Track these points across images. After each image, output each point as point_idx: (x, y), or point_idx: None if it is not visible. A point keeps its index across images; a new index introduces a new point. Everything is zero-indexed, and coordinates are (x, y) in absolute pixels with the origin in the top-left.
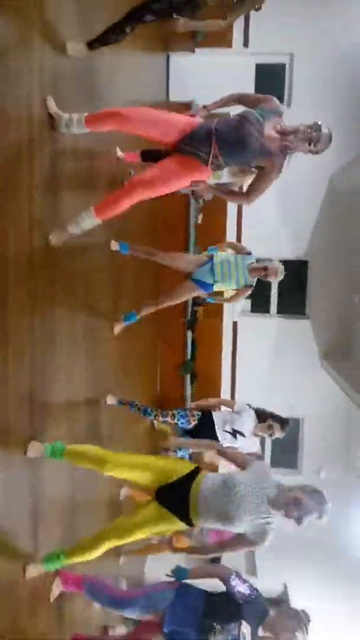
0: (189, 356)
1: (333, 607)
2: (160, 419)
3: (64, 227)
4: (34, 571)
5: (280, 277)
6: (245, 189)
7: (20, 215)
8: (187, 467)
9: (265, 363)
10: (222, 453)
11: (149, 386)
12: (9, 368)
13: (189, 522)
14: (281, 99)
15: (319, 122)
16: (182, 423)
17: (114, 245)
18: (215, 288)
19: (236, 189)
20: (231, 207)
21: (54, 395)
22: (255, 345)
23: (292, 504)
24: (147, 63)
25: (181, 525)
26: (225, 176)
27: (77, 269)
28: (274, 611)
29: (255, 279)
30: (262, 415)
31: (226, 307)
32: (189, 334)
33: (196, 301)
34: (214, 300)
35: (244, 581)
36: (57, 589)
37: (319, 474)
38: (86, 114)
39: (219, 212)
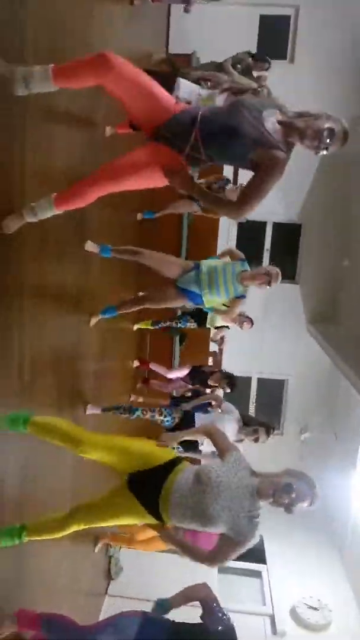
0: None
1: (304, 556)
2: (148, 414)
3: (19, 213)
4: None
5: (278, 281)
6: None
7: None
8: (168, 455)
9: (252, 327)
10: (210, 434)
11: (139, 344)
12: None
13: (159, 518)
14: (284, 53)
15: (339, 121)
16: (167, 422)
17: (91, 247)
18: (205, 300)
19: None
20: (226, 171)
21: (35, 352)
22: (243, 309)
23: (282, 490)
24: (146, 11)
25: (151, 519)
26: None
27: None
28: None
29: (247, 288)
30: (246, 420)
31: None
32: None
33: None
34: (211, 312)
35: (222, 612)
36: (7, 629)
37: (301, 436)
38: (52, 65)
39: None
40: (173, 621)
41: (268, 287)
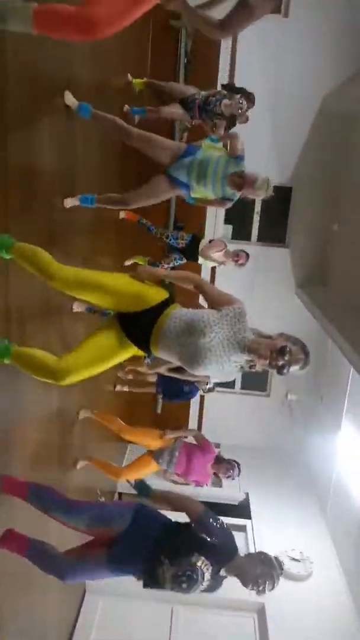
0: (167, 282)
1: (288, 513)
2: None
3: None
4: None
5: (261, 193)
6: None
7: None
8: (159, 297)
9: (241, 289)
10: (199, 285)
11: None
12: None
13: (148, 352)
14: (278, 8)
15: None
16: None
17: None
18: (192, 191)
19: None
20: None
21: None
22: (232, 272)
23: (278, 352)
24: None
25: (138, 351)
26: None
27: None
28: (245, 555)
29: (235, 192)
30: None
31: (207, 231)
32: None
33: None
34: (194, 202)
35: (214, 519)
36: None
37: (287, 397)
38: (35, 5)
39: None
40: (168, 520)
41: (246, 193)
